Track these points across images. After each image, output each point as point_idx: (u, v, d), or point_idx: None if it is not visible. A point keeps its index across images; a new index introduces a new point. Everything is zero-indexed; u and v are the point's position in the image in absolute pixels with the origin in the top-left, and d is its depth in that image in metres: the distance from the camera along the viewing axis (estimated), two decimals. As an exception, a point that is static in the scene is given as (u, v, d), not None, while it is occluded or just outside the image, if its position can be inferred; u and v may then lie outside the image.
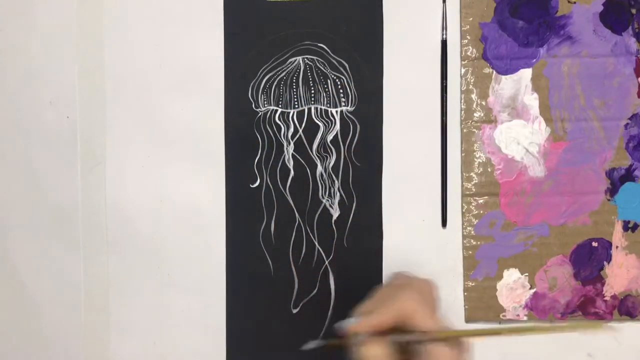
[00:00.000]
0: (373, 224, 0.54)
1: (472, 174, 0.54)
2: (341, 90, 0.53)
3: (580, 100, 0.53)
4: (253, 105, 0.53)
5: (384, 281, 0.54)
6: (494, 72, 0.53)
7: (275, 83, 0.53)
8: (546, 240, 0.54)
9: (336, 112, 0.53)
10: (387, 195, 0.54)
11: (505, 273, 0.54)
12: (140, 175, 0.54)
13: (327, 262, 0.54)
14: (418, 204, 0.54)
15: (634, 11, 0.53)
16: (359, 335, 0.44)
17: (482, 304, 0.54)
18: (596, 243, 0.54)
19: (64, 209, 0.54)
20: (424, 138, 0.53)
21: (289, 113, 0.53)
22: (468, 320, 0.54)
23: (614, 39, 0.53)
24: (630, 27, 0.53)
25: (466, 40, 0.53)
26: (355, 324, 0.45)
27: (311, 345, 0.49)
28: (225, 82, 0.53)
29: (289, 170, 0.54)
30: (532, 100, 0.53)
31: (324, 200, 0.54)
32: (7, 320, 0.55)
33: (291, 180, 0.54)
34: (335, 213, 0.54)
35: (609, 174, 0.54)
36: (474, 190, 0.54)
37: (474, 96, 0.53)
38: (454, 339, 0.43)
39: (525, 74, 0.53)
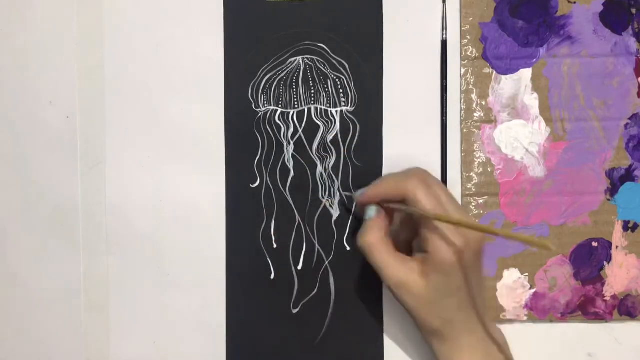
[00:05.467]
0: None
1: (472, 174, 0.54)
2: (341, 90, 0.53)
3: (580, 100, 0.53)
4: (253, 106, 0.53)
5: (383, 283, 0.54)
6: (494, 72, 0.53)
7: (275, 83, 0.53)
8: (546, 240, 0.54)
9: (336, 112, 0.53)
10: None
11: (505, 273, 0.54)
12: (140, 175, 0.54)
13: (327, 262, 0.54)
14: (418, 204, 0.54)
15: (634, 11, 0.53)
16: (369, 210, 0.49)
17: (482, 304, 0.54)
18: (596, 243, 0.54)
19: (64, 209, 0.54)
20: (424, 138, 0.53)
21: (289, 113, 0.53)
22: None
23: (614, 39, 0.53)
24: (630, 27, 0.53)
25: (466, 40, 0.53)
26: (362, 193, 0.50)
27: (349, 199, 0.53)
28: (225, 82, 0.53)
29: (289, 170, 0.54)
30: (532, 100, 0.53)
31: (324, 200, 0.54)
32: (7, 320, 0.55)
33: (291, 180, 0.54)
34: (335, 213, 0.54)
35: (609, 174, 0.54)
36: (473, 190, 0.54)
37: (474, 96, 0.53)
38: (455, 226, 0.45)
39: (525, 74, 0.53)
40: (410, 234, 0.49)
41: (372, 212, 0.49)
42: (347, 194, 0.53)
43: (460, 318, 0.47)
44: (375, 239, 0.48)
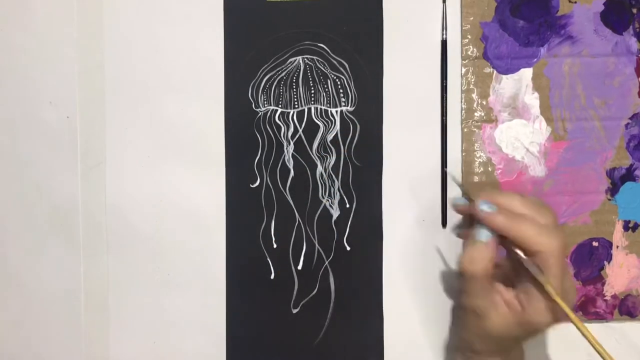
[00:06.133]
0: (373, 224, 0.54)
1: (472, 173, 0.54)
2: (341, 90, 0.53)
3: (581, 99, 0.53)
4: (253, 105, 0.53)
5: (384, 282, 0.54)
6: (495, 71, 0.53)
7: (275, 83, 0.53)
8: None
9: (336, 112, 0.53)
10: (387, 195, 0.54)
11: (506, 273, 0.54)
12: (140, 175, 0.54)
13: (327, 262, 0.54)
14: (418, 204, 0.54)
15: (634, 11, 0.53)
16: (482, 234, 0.45)
17: (482, 304, 0.54)
18: (597, 243, 0.54)
19: (64, 209, 0.54)
20: (424, 138, 0.53)
21: (289, 113, 0.53)
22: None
23: (615, 39, 0.53)
24: (630, 27, 0.53)
25: (467, 40, 0.53)
26: (491, 194, 0.46)
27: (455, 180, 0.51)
28: (225, 82, 0.53)
29: (289, 170, 0.54)
30: (532, 100, 0.53)
31: (324, 200, 0.54)
32: (7, 320, 0.55)
33: (291, 180, 0.54)
34: (335, 213, 0.54)
35: (610, 173, 0.54)
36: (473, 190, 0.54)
37: (474, 95, 0.53)
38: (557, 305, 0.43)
39: (526, 73, 0.53)
40: (509, 268, 0.47)
41: (486, 235, 0.45)
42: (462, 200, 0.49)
43: (500, 350, 0.47)
44: (481, 271, 0.45)
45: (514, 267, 0.46)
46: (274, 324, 0.54)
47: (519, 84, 0.53)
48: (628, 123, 0.53)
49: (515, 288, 0.46)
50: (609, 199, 0.54)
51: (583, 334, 0.44)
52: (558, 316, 0.44)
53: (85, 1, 0.54)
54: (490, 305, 0.45)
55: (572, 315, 0.43)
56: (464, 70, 0.53)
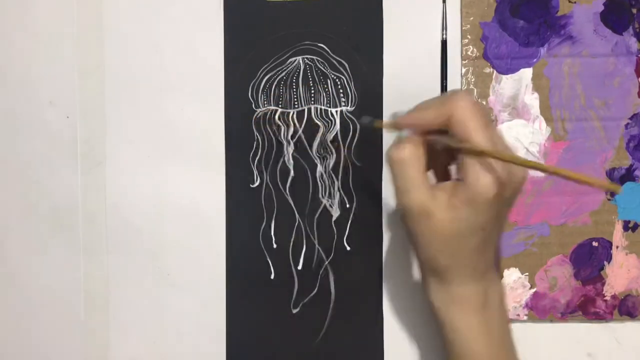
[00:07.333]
0: (373, 224, 0.54)
1: (472, 173, 0.53)
2: (341, 90, 0.53)
3: (581, 100, 0.53)
4: (253, 105, 0.53)
5: (384, 282, 0.54)
6: (495, 71, 0.53)
7: (275, 83, 0.53)
8: (546, 239, 0.54)
9: (336, 112, 0.53)
10: (387, 195, 0.54)
11: (506, 273, 0.54)
12: (140, 175, 0.54)
13: (327, 262, 0.54)
14: (418, 204, 0.54)
15: (634, 11, 0.53)
16: (402, 130, 0.43)
17: (482, 304, 0.54)
18: (596, 243, 0.54)
19: (64, 209, 0.54)
20: (424, 138, 0.53)
21: (289, 113, 0.53)
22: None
23: (615, 39, 0.53)
24: (630, 27, 0.53)
25: (467, 40, 0.53)
26: (401, 117, 0.44)
27: (364, 120, 0.50)
28: (225, 82, 0.53)
29: (289, 170, 0.54)
30: (532, 100, 0.53)
31: (324, 200, 0.54)
32: (6, 320, 0.55)
33: (291, 180, 0.54)
34: (335, 213, 0.54)
35: (610, 173, 0.54)
36: (474, 190, 0.53)
37: (474, 96, 0.53)
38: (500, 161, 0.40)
39: (526, 73, 0.53)
40: (445, 159, 0.45)
41: (406, 131, 0.43)
42: (365, 120, 0.50)
43: (470, 262, 0.43)
44: (409, 155, 0.42)
45: (443, 153, 0.44)
46: (274, 324, 0.54)
47: (518, 84, 0.53)
48: (628, 123, 0.53)
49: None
50: (609, 199, 0.54)
51: (535, 167, 0.42)
52: (501, 173, 0.40)
53: (85, 1, 0.54)
54: (430, 197, 0.41)
55: (510, 157, 0.40)
56: (464, 70, 0.53)
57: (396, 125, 0.44)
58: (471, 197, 0.40)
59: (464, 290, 0.43)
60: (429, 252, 0.43)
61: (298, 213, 0.54)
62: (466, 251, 0.42)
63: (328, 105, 0.53)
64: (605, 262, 0.54)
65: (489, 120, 0.42)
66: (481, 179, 0.40)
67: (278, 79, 0.53)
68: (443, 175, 0.46)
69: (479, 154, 0.40)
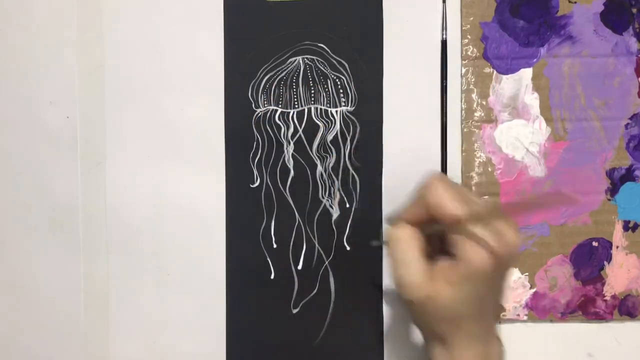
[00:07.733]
0: (373, 224, 0.54)
1: (472, 173, 0.54)
2: (341, 90, 0.53)
3: (581, 100, 0.53)
4: (253, 105, 0.53)
5: (383, 283, 0.54)
6: (495, 71, 0.53)
7: (275, 83, 0.53)
8: (546, 240, 0.54)
9: (336, 112, 0.53)
10: (387, 195, 0.54)
11: (506, 273, 0.54)
12: (140, 175, 0.54)
13: (327, 262, 0.54)
14: (418, 204, 0.54)
15: (634, 11, 0.53)
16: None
17: (482, 304, 0.54)
18: (596, 243, 0.54)
19: (64, 209, 0.54)
20: (424, 138, 0.53)
21: (289, 113, 0.53)
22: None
23: (615, 39, 0.53)
24: (630, 27, 0.53)
25: (467, 40, 0.53)
26: (397, 220, 0.45)
27: (374, 243, 0.53)
28: (225, 82, 0.53)
29: (289, 170, 0.54)
30: (532, 100, 0.53)
31: (324, 200, 0.54)
32: (6, 321, 0.55)
33: (291, 180, 0.54)
34: (335, 213, 0.54)
35: (610, 173, 0.54)
36: (474, 190, 0.53)
37: (474, 96, 0.53)
38: (490, 221, 0.41)
39: (526, 73, 0.53)
40: (437, 244, 0.45)
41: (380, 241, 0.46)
42: (376, 243, 0.53)
43: (471, 328, 0.43)
44: (407, 234, 0.44)
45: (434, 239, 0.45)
46: (274, 323, 0.54)
47: (518, 84, 0.53)
48: (628, 123, 0.53)
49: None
50: (609, 199, 0.54)
51: (514, 209, 0.43)
52: (494, 245, 0.40)
53: (85, 1, 0.54)
54: (428, 279, 0.43)
55: (489, 212, 0.40)
56: (464, 70, 0.53)
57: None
58: (469, 274, 0.41)
59: (465, 353, 0.44)
60: (429, 323, 0.44)
61: (298, 213, 0.54)
62: (466, 319, 0.43)
63: (328, 105, 0.53)
64: (605, 262, 0.54)
65: (462, 189, 0.44)
66: (476, 255, 0.41)
67: (278, 79, 0.53)
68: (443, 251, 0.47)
69: (463, 227, 0.41)
